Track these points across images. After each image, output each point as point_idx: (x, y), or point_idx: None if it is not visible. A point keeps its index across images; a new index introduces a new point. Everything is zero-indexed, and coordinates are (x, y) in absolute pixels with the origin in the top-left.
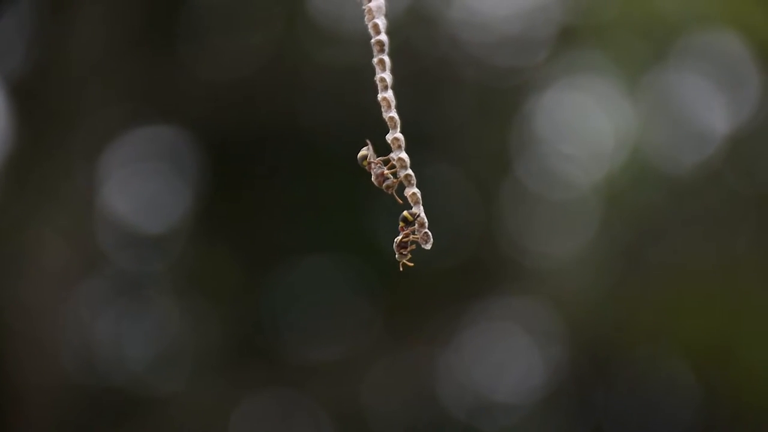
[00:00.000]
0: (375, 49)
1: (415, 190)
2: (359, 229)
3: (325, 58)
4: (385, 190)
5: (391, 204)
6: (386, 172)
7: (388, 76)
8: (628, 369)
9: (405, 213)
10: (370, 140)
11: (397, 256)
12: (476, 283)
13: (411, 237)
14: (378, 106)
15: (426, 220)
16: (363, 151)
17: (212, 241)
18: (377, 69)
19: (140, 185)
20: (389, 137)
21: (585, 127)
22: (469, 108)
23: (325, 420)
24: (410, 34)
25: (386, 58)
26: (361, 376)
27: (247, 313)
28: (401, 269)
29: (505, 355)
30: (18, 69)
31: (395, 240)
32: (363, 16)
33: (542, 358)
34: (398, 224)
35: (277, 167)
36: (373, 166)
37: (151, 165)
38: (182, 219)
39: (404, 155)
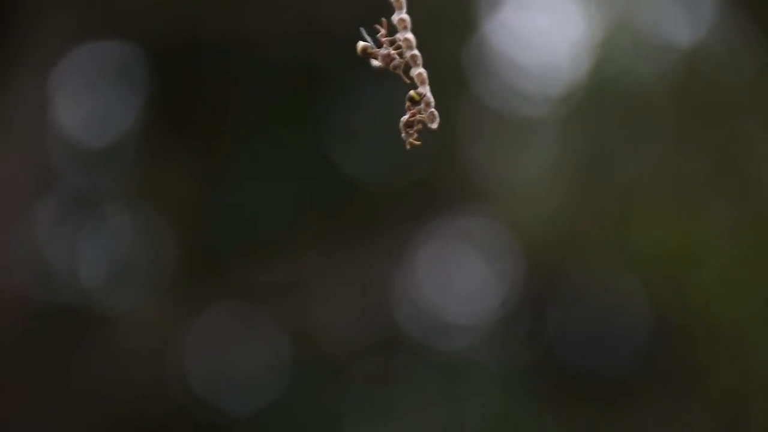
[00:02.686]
0: None
1: (422, 70)
2: (313, 144)
3: None
4: (392, 71)
5: (348, 117)
6: (392, 52)
7: None
8: (582, 287)
9: (412, 92)
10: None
11: (403, 135)
12: (430, 202)
13: (417, 116)
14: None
15: (432, 99)
16: (361, 43)
17: (166, 156)
18: None
19: (92, 100)
20: (395, 17)
21: (543, 42)
22: (422, 22)
23: (279, 336)
24: None
25: None
26: (314, 293)
27: (200, 229)
28: (408, 147)
29: (459, 275)
30: None
31: (402, 119)
32: None
33: (496, 278)
34: (405, 104)
35: (229, 80)
36: (378, 48)
37: (103, 79)
38: (135, 134)
39: (410, 35)
